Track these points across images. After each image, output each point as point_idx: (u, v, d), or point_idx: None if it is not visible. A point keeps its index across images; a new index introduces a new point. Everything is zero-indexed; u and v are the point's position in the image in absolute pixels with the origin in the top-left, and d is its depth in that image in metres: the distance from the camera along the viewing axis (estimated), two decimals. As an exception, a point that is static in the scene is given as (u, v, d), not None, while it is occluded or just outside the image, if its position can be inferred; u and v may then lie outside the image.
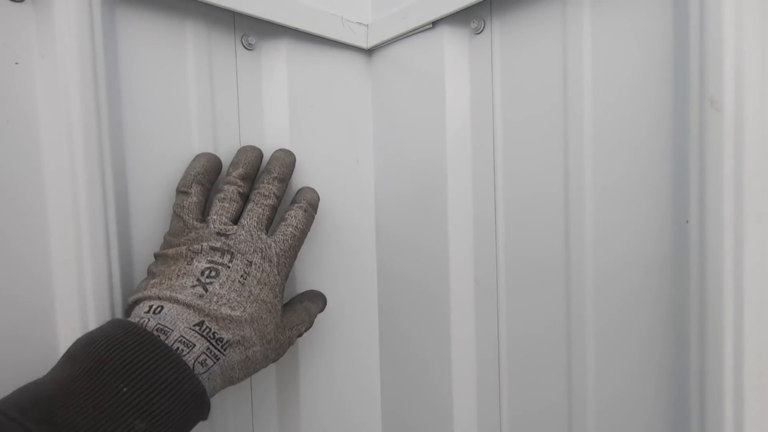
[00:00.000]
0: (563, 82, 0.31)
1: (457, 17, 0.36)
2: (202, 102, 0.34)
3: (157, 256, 0.30)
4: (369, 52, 0.43)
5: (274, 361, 0.31)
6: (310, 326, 0.35)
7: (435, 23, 0.37)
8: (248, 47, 0.37)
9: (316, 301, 0.37)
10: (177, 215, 0.31)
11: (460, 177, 0.37)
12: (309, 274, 0.40)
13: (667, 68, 0.26)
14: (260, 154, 0.35)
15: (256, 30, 0.37)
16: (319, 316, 0.38)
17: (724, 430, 0.24)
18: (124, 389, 0.22)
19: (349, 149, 0.43)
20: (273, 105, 0.38)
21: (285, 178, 0.34)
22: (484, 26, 0.36)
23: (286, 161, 0.35)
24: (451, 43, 0.37)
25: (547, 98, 0.32)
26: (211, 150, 0.34)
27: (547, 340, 0.33)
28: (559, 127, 0.32)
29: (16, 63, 0.27)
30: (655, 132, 0.27)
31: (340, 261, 0.42)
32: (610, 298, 0.29)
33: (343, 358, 0.43)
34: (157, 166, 0.32)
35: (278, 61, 0.38)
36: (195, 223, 0.30)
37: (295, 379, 0.39)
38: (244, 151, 0.34)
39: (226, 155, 0.35)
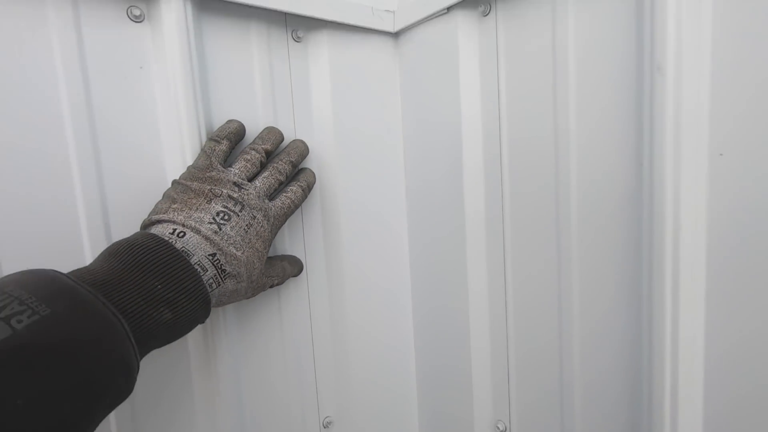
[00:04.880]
0: (552, 54, 0.38)
1: (468, 2, 0.43)
2: (265, 86, 0.44)
3: (177, 183, 0.36)
4: (396, 35, 0.51)
5: (248, 298, 0.38)
6: (281, 283, 0.42)
7: (449, 8, 0.44)
8: (297, 40, 0.46)
9: (294, 265, 0.44)
10: (206, 154, 0.37)
11: (472, 135, 0.45)
12: (348, 221, 0.50)
13: (630, 43, 0.33)
14: (283, 137, 0.42)
15: (303, 25, 0.46)
16: (363, 263, 0.48)
17: (665, 298, 0.32)
18: (158, 287, 0.28)
19: (380, 120, 0.51)
20: (318, 86, 0.47)
21: (297, 164, 0.42)
22: (490, 9, 0.43)
23: (303, 152, 0.43)
24: (463, 24, 0.44)
25: (540, 67, 0.39)
26: (271, 123, 0.44)
27: (543, 272, 0.41)
28: (549, 90, 0.39)
29: (141, 67, 0.37)
30: (621, 91, 0.34)
31: (376, 216, 0.52)
32: (590, 225, 0.37)
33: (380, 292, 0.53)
34: (235, 138, 0.43)
35: (321, 50, 0.47)
36: (219, 166, 0.36)
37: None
38: (272, 131, 0.41)
39: (282, 129, 0.45)
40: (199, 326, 0.39)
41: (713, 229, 0.31)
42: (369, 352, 0.53)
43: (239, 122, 0.40)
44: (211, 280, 0.32)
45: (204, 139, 0.39)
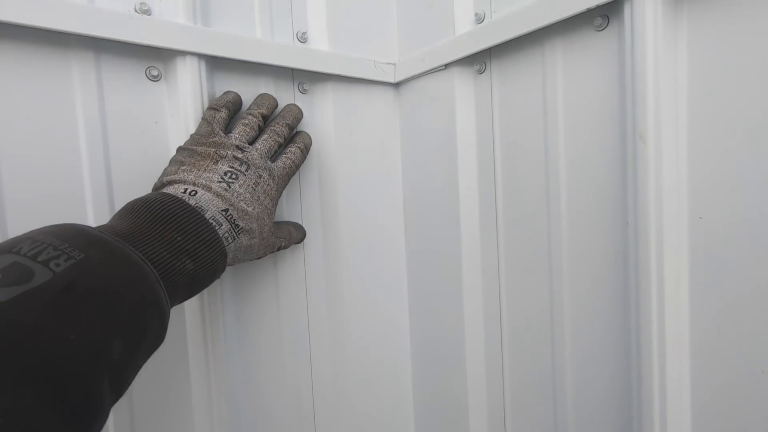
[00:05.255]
0: (543, 111, 0.41)
1: (464, 61, 0.46)
2: (272, 135, 0.46)
3: (182, 148, 0.37)
4: (396, 85, 0.54)
5: (259, 257, 0.40)
6: (288, 246, 0.43)
7: (447, 65, 0.47)
8: (303, 92, 0.48)
9: (299, 230, 0.46)
10: (207, 121, 0.38)
11: (469, 183, 0.47)
12: (354, 263, 0.52)
13: (613, 109, 0.36)
14: (277, 103, 0.43)
15: (309, 78, 0.48)
16: (362, 287, 0.49)
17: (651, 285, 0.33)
18: (178, 238, 0.29)
19: (381, 165, 0.54)
20: (322, 134, 0.50)
21: (293, 126, 0.43)
22: (485, 68, 0.46)
23: (297, 115, 0.44)
24: (460, 80, 0.47)
25: (532, 123, 0.42)
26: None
27: (537, 340, 0.43)
28: (541, 145, 0.41)
29: (156, 122, 0.40)
30: (608, 151, 0.36)
31: (376, 254, 0.53)
32: (580, 274, 0.39)
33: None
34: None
35: (326, 100, 0.49)
36: (220, 132, 0.37)
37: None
38: (266, 96, 0.43)
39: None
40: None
41: (695, 288, 0.32)
42: (367, 386, 0.54)
43: (236, 92, 0.41)
44: (226, 234, 0.33)
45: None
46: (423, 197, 0.52)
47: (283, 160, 0.41)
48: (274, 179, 0.39)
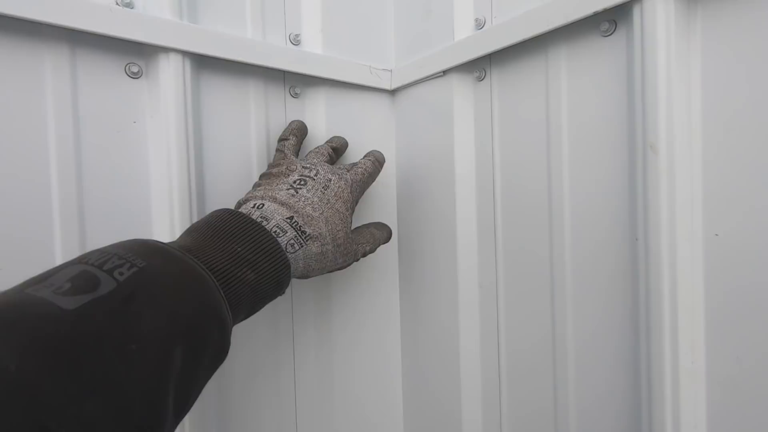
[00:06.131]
0: (546, 121, 0.39)
1: (463, 68, 0.44)
2: (260, 140, 0.44)
3: (262, 175, 0.39)
4: (392, 92, 0.52)
5: (342, 267, 0.38)
6: (374, 249, 0.42)
7: (445, 72, 0.45)
8: (294, 96, 0.46)
9: (382, 229, 0.44)
10: (279, 150, 0.40)
11: (466, 197, 0.45)
12: (343, 280, 0.49)
13: (621, 118, 0.33)
14: (345, 141, 0.46)
15: (301, 82, 0.46)
16: (351, 298, 0.46)
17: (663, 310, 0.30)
18: (239, 249, 0.29)
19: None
20: (313, 141, 0.47)
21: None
22: (485, 75, 0.44)
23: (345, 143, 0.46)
24: (459, 87, 0.45)
25: (534, 132, 0.40)
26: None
27: (537, 346, 0.40)
28: (543, 155, 0.39)
29: (134, 122, 0.37)
30: (615, 162, 0.34)
31: (367, 271, 0.51)
32: (584, 295, 0.36)
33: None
34: (224, 185, 0.42)
35: (318, 105, 0.47)
36: (292, 156, 0.39)
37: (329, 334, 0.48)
38: (336, 137, 0.45)
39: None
40: None
41: (712, 312, 0.30)
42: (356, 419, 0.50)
43: (300, 120, 0.44)
44: (292, 241, 0.33)
45: (194, 198, 0.39)
46: (418, 211, 0.50)
47: (355, 170, 0.40)
48: (345, 182, 0.38)
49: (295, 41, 0.46)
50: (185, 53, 0.38)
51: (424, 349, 0.50)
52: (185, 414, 0.24)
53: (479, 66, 0.44)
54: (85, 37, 0.34)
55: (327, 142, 0.44)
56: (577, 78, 0.36)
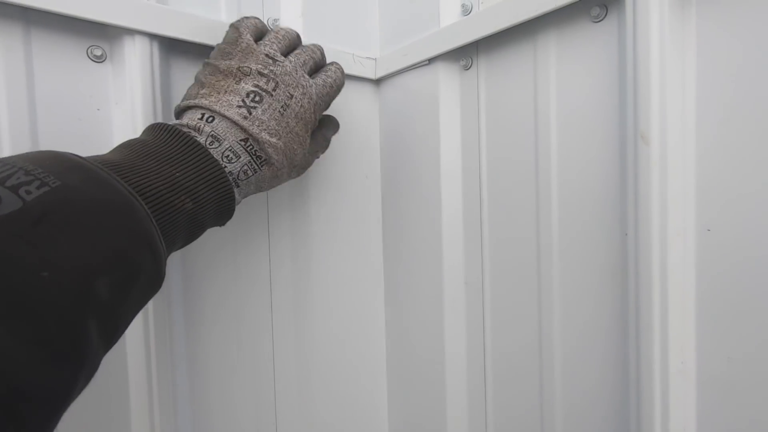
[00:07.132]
0: (534, 111, 0.37)
1: (449, 56, 0.42)
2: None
3: (206, 64, 0.32)
4: (377, 81, 0.50)
5: (294, 178, 0.36)
6: (326, 150, 0.39)
7: (431, 60, 0.44)
8: (273, 84, 0.44)
9: (330, 126, 0.40)
10: (234, 27, 0.33)
11: (452, 189, 0.43)
12: (326, 275, 0.47)
13: (612, 108, 0.32)
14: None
15: (280, 69, 0.44)
16: (336, 303, 0.45)
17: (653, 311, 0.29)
18: (177, 174, 0.26)
19: (360, 167, 0.49)
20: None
21: (324, 57, 0.37)
22: (471, 63, 0.42)
23: (324, 53, 0.38)
24: (445, 76, 0.43)
25: (521, 122, 0.38)
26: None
27: (524, 346, 0.39)
28: (531, 147, 0.37)
29: (98, 109, 0.35)
30: (604, 153, 0.33)
31: (351, 266, 0.49)
32: (572, 289, 0.35)
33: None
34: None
35: (298, 94, 0.45)
36: (248, 36, 0.32)
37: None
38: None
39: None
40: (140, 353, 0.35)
41: (703, 310, 0.29)
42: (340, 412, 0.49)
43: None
44: (245, 167, 0.30)
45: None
46: (403, 203, 0.48)
47: (324, 78, 0.35)
48: (310, 99, 0.33)
49: (274, 26, 0.44)
50: (153, 36, 0.35)
51: (409, 349, 0.48)
52: (114, 344, 0.22)
53: (466, 54, 0.42)
54: (42, 16, 0.32)
55: (311, 47, 0.35)
56: (567, 65, 0.35)
